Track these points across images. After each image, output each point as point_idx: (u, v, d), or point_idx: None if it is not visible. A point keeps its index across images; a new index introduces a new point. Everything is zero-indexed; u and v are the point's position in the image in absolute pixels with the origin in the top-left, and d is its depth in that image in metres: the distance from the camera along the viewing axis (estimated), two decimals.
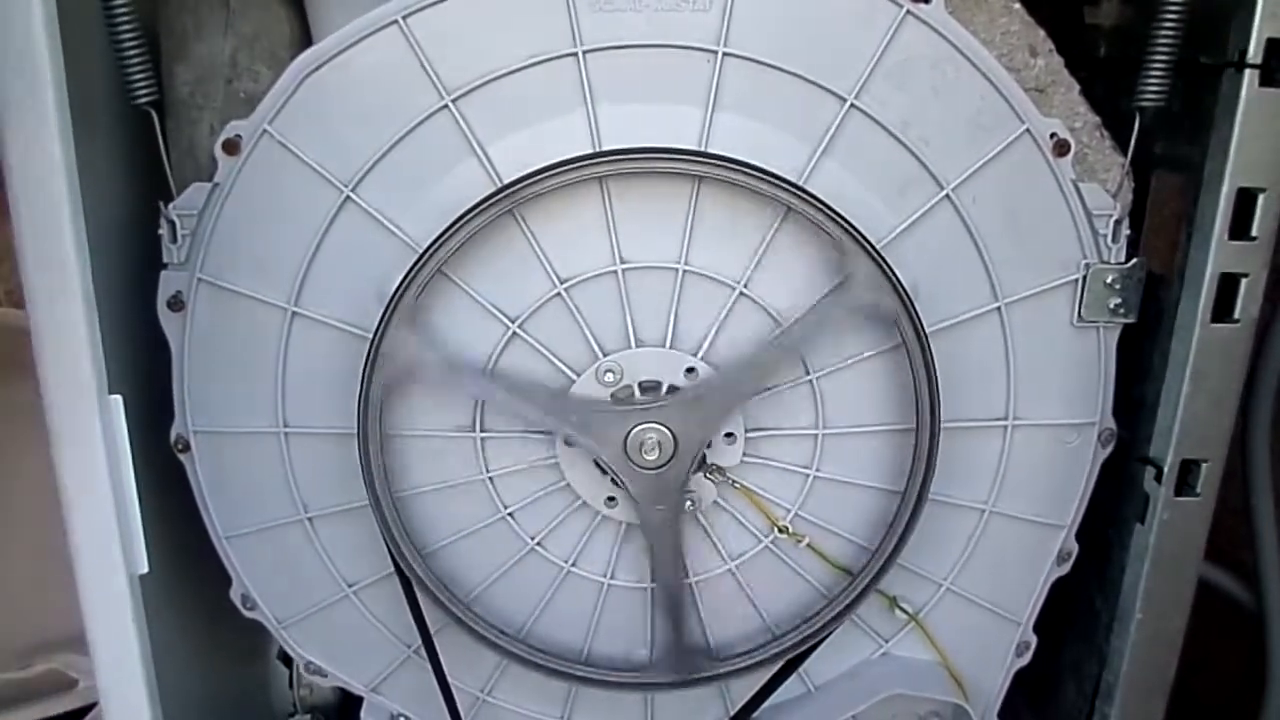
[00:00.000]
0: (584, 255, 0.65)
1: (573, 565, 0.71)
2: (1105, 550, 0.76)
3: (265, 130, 0.63)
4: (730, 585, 0.72)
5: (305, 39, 0.69)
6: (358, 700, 0.78)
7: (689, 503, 0.68)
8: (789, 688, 0.74)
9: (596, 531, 0.71)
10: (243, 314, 0.66)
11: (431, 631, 0.71)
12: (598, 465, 0.67)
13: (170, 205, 0.65)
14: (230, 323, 0.66)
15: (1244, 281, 0.66)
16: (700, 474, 0.68)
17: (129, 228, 0.66)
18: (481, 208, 0.61)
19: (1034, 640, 0.76)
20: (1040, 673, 0.79)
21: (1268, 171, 0.64)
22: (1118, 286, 0.67)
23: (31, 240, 0.54)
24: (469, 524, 0.70)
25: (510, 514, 0.70)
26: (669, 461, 0.65)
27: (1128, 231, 0.67)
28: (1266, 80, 0.62)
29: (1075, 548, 0.73)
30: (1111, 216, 0.66)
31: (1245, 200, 0.64)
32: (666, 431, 0.65)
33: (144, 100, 0.64)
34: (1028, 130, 0.64)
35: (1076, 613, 0.80)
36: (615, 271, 0.65)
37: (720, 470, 0.68)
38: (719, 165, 0.61)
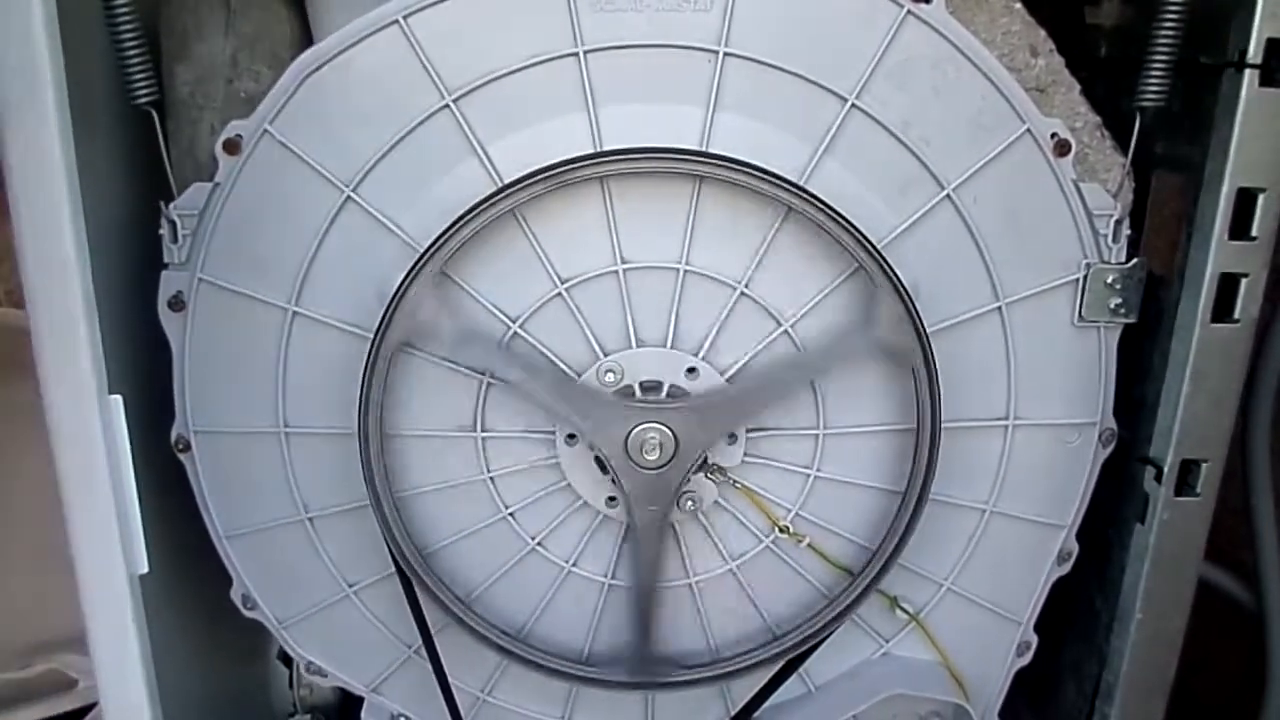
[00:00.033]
0: (585, 255, 0.65)
1: (573, 565, 0.71)
2: (1105, 550, 0.76)
3: (266, 130, 0.63)
4: (731, 585, 0.72)
5: (306, 39, 0.69)
6: (358, 700, 0.78)
7: (690, 503, 0.68)
8: (789, 688, 0.74)
9: (597, 531, 0.71)
10: (243, 314, 0.66)
11: (432, 631, 0.71)
12: (598, 465, 0.67)
13: (171, 205, 0.65)
14: (231, 323, 0.66)
15: (1244, 281, 0.66)
16: (701, 474, 0.68)
17: (129, 228, 0.66)
18: (482, 207, 0.61)
19: (1034, 640, 0.76)
20: (1040, 673, 0.79)
21: (1268, 171, 0.64)
22: (1118, 286, 0.67)
23: (31, 240, 0.54)
24: (469, 524, 0.70)
25: (511, 514, 0.70)
26: (667, 464, 0.65)
27: (1128, 231, 0.67)
28: (1266, 80, 0.62)
29: (1075, 548, 0.73)
30: (1112, 216, 0.66)
31: (1245, 200, 0.64)
32: (669, 434, 0.65)
33: (144, 100, 0.64)
34: (1028, 130, 0.64)
35: (1076, 613, 0.80)
36: (616, 271, 0.65)
37: (721, 470, 0.68)
38: (720, 165, 0.61)
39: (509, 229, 0.64)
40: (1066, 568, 0.73)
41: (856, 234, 0.62)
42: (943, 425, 0.65)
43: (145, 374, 0.65)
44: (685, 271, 0.65)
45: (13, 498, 1.02)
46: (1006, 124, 0.64)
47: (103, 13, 0.61)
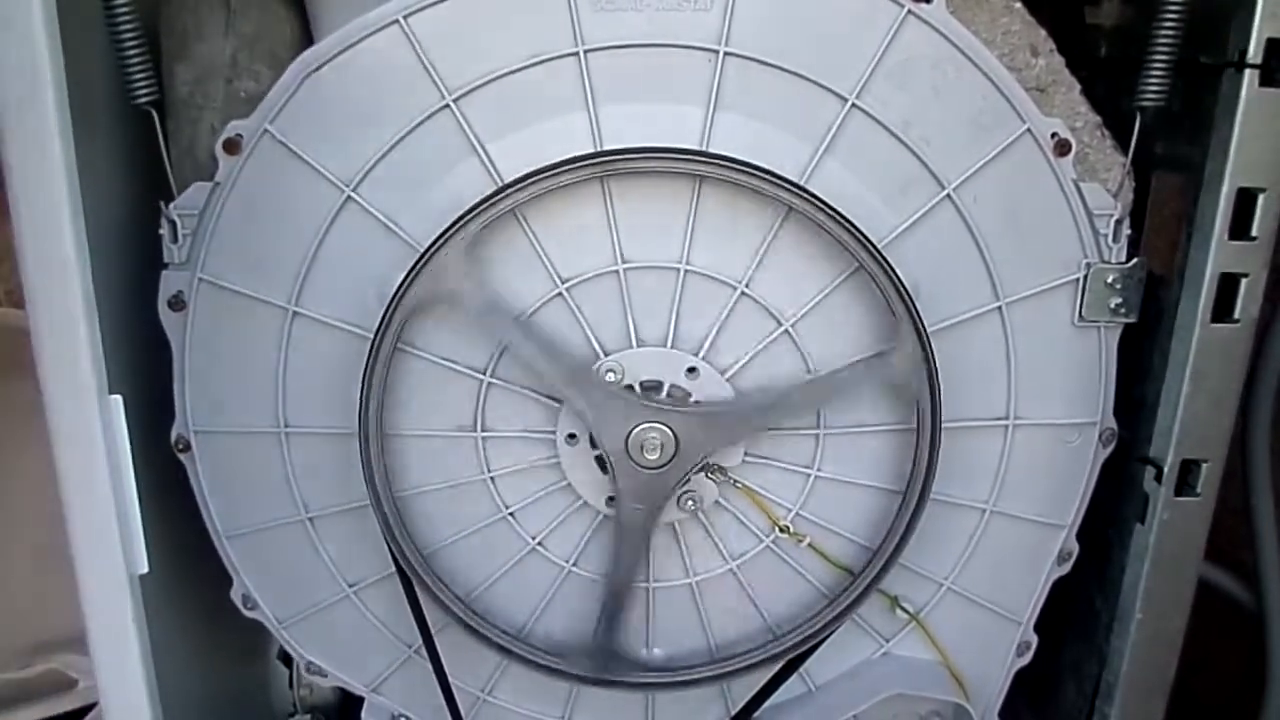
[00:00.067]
0: (585, 255, 0.65)
1: (574, 565, 0.71)
2: (1105, 550, 0.76)
3: (266, 130, 0.63)
4: (731, 585, 0.72)
5: (306, 39, 0.69)
6: (358, 700, 0.78)
7: (690, 502, 0.68)
8: (790, 687, 0.74)
9: (597, 532, 0.70)
10: (243, 314, 0.66)
11: (432, 631, 0.71)
12: (599, 464, 0.67)
13: (171, 205, 0.65)
14: (231, 322, 0.66)
15: (1244, 281, 0.66)
16: (701, 473, 0.68)
17: (129, 228, 0.66)
18: (483, 207, 0.61)
19: (1034, 640, 0.76)
20: (1040, 673, 0.79)
21: (1268, 171, 0.64)
22: (1118, 286, 0.67)
23: (31, 240, 0.54)
24: (469, 524, 0.70)
25: (511, 514, 0.70)
26: (664, 465, 0.65)
27: (1128, 231, 0.67)
28: (1266, 80, 0.62)
29: (1075, 547, 0.73)
30: (1112, 216, 0.66)
31: (1245, 200, 0.64)
32: (671, 436, 0.65)
33: (144, 100, 0.64)
34: (1029, 130, 0.64)
35: (1076, 613, 0.80)
36: (617, 271, 0.65)
37: (721, 470, 0.68)
38: (720, 165, 0.61)
39: (509, 229, 0.64)
40: (1066, 568, 0.74)
41: (857, 234, 0.62)
42: (943, 425, 0.65)
43: (145, 374, 0.65)
44: (685, 271, 0.65)
45: (13, 498, 1.02)
46: (1007, 124, 0.64)
47: (103, 13, 0.61)
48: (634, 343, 0.66)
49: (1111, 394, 0.70)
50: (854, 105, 0.63)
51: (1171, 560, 0.71)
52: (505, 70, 0.62)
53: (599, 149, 0.63)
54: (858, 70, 0.62)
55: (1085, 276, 0.67)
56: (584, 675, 0.70)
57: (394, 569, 0.69)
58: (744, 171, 0.61)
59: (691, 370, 0.66)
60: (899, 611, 0.73)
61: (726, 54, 0.62)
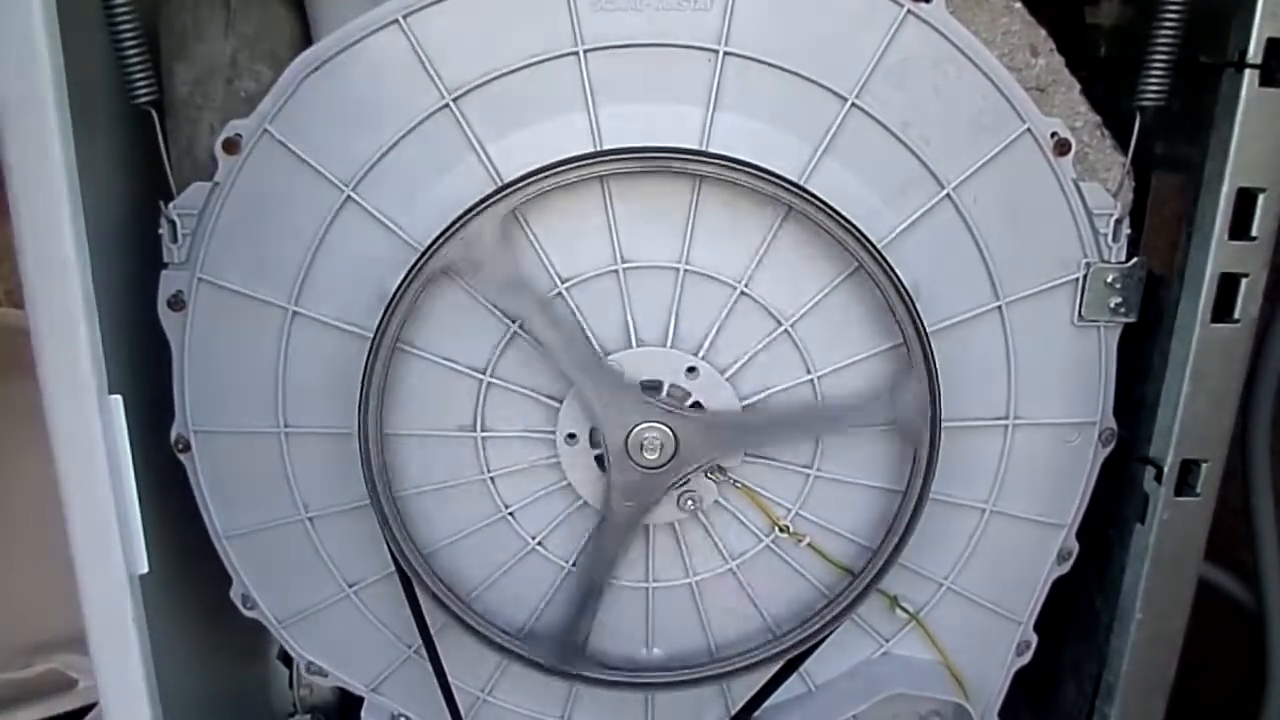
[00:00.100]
0: (585, 255, 0.65)
1: (574, 565, 0.71)
2: (1105, 550, 0.76)
3: (265, 130, 0.63)
4: (731, 585, 0.72)
5: (306, 39, 0.69)
6: (358, 700, 0.78)
7: (690, 502, 0.68)
8: (789, 687, 0.74)
9: None
10: (243, 313, 0.66)
11: (431, 631, 0.71)
12: (598, 464, 0.67)
13: (170, 205, 0.65)
14: (230, 322, 0.66)
15: (1244, 281, 0.66)
16: (701, 473, 0.68)
17: (129, 228, 0.66)
18: (482, 207, 0.61)
19: (1034, 639, 0.76)
20: (1040, 672, 0.79)
21: (1268, 171, 0.64)
22: (1118, 286, 0.67)
23: (31, 240, 0.54)
24: (469, 524, 0.70)
25: (511, 514, 0.70)
26: (659, 467, 0.65)
27: (1128, 231, 0.67)
28: (1266, 80, 0.62)
29: (1075, 547, 0.73)
30: (1112, 216, 0.66)
31: (1245, 200, 0.64)
32: (672, 439, 0.65)
33: (144, 100, 0.64)
34: (1028, 129, 0.64)
35: (1076, 613, 0.80)
36: (616, 271, 0.65)
37: (721, 469, 0.68)
38: (720, 165, 0.61)
39: (509, 228, 0.64)
40: (1066, 567, 0.73)
41: (856, 234, 0.62)
42: (943, 424, 0.65)
43: (145, 374, 0.65)
44: (685, 271, 0.65)
45: (12, 498, 1.02)
46: (1006, 123, 0.64)
47: (102, 12, 0.61)
48: (634, 342, 0.66)
49: (1111, 394, 0.70)
50: (854, 105, 0.63)
51: (1171, 560, 0.71)
52: (505, 70, 0.62)
53: (599, 149, 0.63)
54: (857, 70, 0.62)
55: (1085, 276, 0.67)
56: (542, 663, 0.70)
57: (393, 569, 0.69)
58: (743, 171, 0.61)
59: (691, 370, 0.66)
60: (899, 611, 0.73)
61: (726, 54, 0.62)
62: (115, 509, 0.59)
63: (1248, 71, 0.62)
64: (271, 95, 0.63)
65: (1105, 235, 0.66)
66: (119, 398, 0.58)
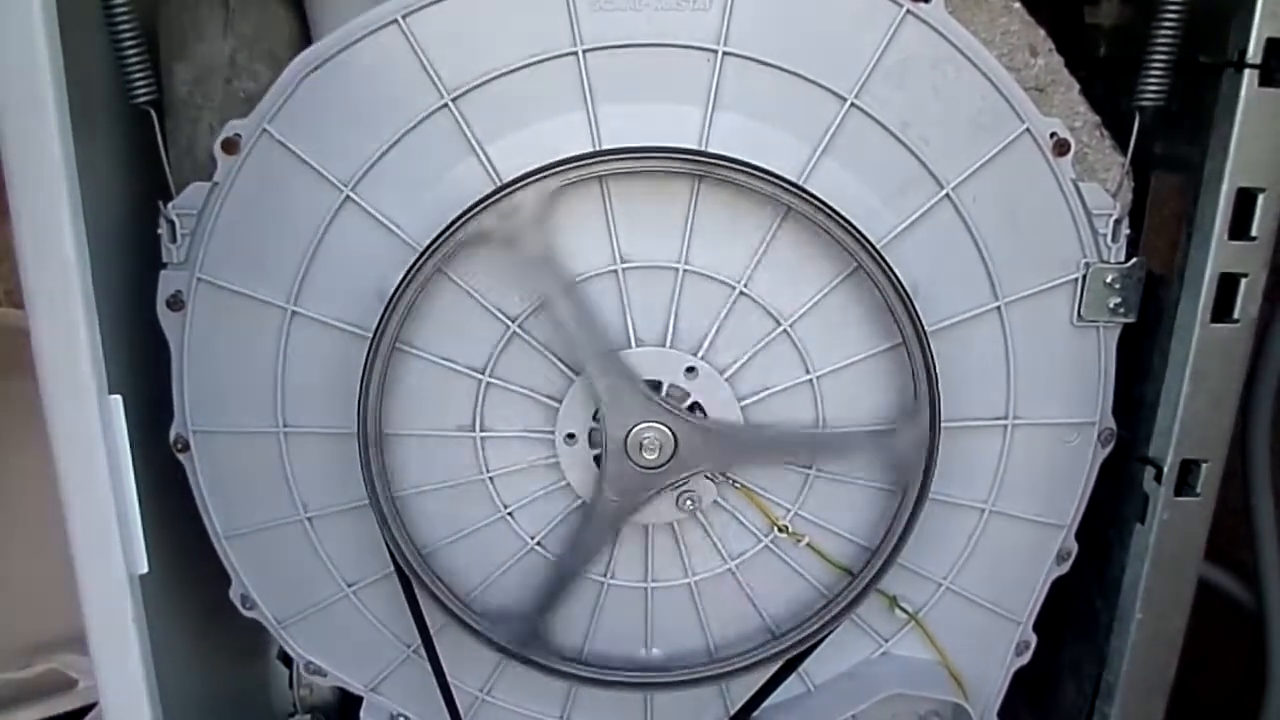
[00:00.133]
0: (584, 254, 0.65)
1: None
2: (1105, 550, 0.76)
3: (265, 130, 0.63)
4: (730, 585, 0.72)
5: (305, 39, 0.69)
6: (358, 700, 0.78)
7: (689, 502, 0.68)
8: (789, 687, 0.74)
9: None
10: (242, 313, 0.66)
11: (431, 631, 0.71)
12: (597, 464, 0.67)
13: (170, 205, 0.65)
14: (230, 322, 0.66)
15: (1244, 281, 0.66)
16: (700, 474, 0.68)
17: (129, 228, 0.66)
18: (482, 207, 0.61)
19: (1034, 640, 0.76)
20: (1040, 672, 0.79)
21: (1268, 171, 0.64)
22: (1117, 286, 0.67)
23: (31, 240, 0.54)
24: (468, 524, 0.70)
25: (510, 514, 0.70)
26: (655, 468, 0.65)
27: (1127, 231, 0.67)
28: (1266, 80, 0.62)
29: (1075, 547, 0.73)
30: (1111, 216, 0.66)
31: (1245, 200, 0.64)
32: (672, 442, 0.65)
33: (143, 100, 0.64)
34: (1028, 130, 0.64)
35: (1076, 613, 0.80)
36: (615, 271, 0.65)
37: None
38: (719, 165, 0.61)
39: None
40: (1066, 567, 0.73)
41: (856, 234, 0.62)
42: (942, 425, 0.65)
43: (145, 374, 0.65)
44: (684, 271, 0.65)
45: (12, 497, 1.02)
46: (1006, 123, 0.64)
47: (102, 13, 0.61)
48: (633, 342, 0.66)
49: (1110, 394, 0.70)
50: (853, 105, 0.63)
51: (1171, 560, 0.71)
52: (504, 70, 0.62)
53: (597, 149, 0.63)
54: (856, 70, 0.62)
55: (1084, 276, 0.67)
56: (504, 646, 0.69)
57: (393, 569, 0.69)
58: (742, 171, 0.61)
59: (690, 370, 0.66)
60: (898, 611, 0.73)
61: (725, 54, 0.62)
62: (115, 509, 0.59)
63: (1247, 71, 0.62)
64: (270, 95, 0.63)
65: (1104, 235, 0.66)
66: (119, 398, 0.58)
